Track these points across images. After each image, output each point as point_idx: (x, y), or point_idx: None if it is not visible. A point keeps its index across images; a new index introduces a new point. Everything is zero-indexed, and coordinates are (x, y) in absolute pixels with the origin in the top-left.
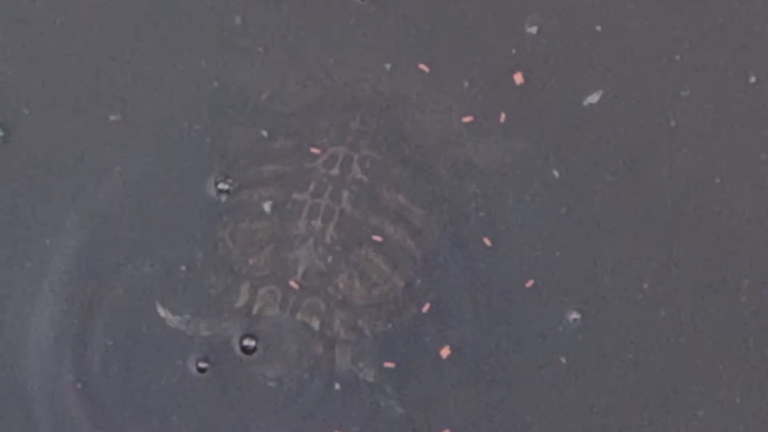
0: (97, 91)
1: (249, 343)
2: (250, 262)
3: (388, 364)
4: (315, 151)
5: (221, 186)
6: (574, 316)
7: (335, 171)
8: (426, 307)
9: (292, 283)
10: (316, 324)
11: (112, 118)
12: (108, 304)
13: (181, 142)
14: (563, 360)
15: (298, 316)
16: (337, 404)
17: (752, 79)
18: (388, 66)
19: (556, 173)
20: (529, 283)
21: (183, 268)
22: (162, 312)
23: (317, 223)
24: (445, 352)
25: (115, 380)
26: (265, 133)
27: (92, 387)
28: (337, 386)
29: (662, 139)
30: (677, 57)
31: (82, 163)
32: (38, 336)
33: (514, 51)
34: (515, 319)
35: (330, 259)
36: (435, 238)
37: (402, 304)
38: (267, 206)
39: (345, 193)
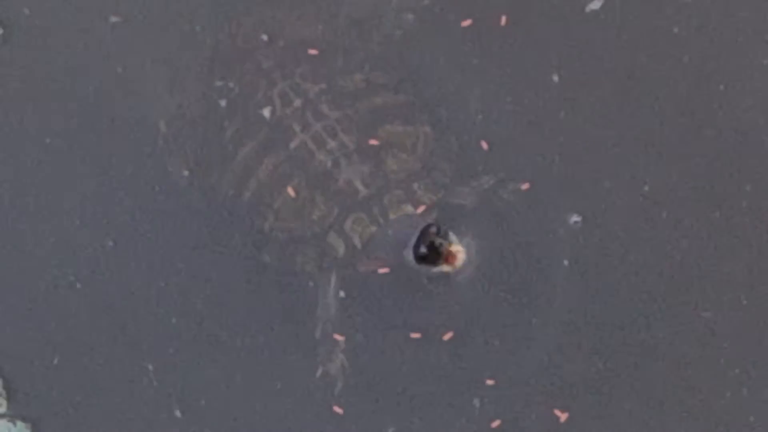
0: None
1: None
2: (315, 217)
3: None
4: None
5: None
6: (575, 218)
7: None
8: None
9: (362, 199)
10: (409, 209)
11: (113, 19)
12: None
13: (182, 43)
14: (566, 262)
15: (391, 216)
16: None
17: None
18: None
19: (555, 77)
20: (525, 186)
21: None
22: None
23: (331, 144)
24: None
25: None
26: (265, 38)
27: None
28: None
29: (665, 45)
30: None
31: (82, 64)
32: None
33: None
34: (514, 221)
35: (367, 157)
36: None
37: (441, 143)
38: (266, 112)
39: (323, 107)
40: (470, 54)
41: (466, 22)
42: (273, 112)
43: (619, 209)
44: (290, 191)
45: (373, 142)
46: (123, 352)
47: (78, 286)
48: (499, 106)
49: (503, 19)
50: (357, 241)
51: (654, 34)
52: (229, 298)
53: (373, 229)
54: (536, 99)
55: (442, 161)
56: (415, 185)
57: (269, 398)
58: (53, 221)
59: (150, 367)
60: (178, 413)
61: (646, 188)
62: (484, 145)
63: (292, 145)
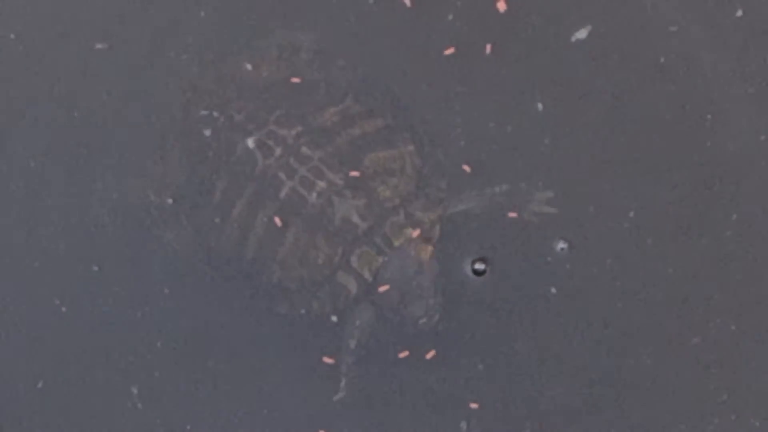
0: (84, 18)
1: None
2: (320, 260)
3: None
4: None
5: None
6: (561, 245)
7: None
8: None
9: (362, 232)
10: (410, 233)
11: (99, 46)
12: None
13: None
14: (553, 290)
15: (395, 243)
16: None
17: (739, 13)
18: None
19: (540, 106)
20: (512, 214)
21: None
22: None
23: (320, 183)
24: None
25: None
26: (249, 67)
27: None
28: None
29: (651, 75)
30: None
31: (67, 90)
32: None
33: None
34: (502, 249)
35: (359, 190)
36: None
37: (428, 159)
38: (250, 141)
39: (303, 149)
40: (453, 82)
41: (449, 50)
42: (256, 164)
43: (606, 236)
44: (277, 221)
45: (360, 173)
46: (107, 376)
47: (63, 309)
48: (483, 132)
49: (488, 48)
50: (367, 275)
51: (640, 63)
52: (214, 322)
53: (381, 259)
54: (521, 127)
55: (434, 177)
56: (412, 207)
57: (255, 423)
58: (38, 245)
59: (134, 390)
60: None
61: (632, 215)
62: (467, 169)
63: (282, 194)
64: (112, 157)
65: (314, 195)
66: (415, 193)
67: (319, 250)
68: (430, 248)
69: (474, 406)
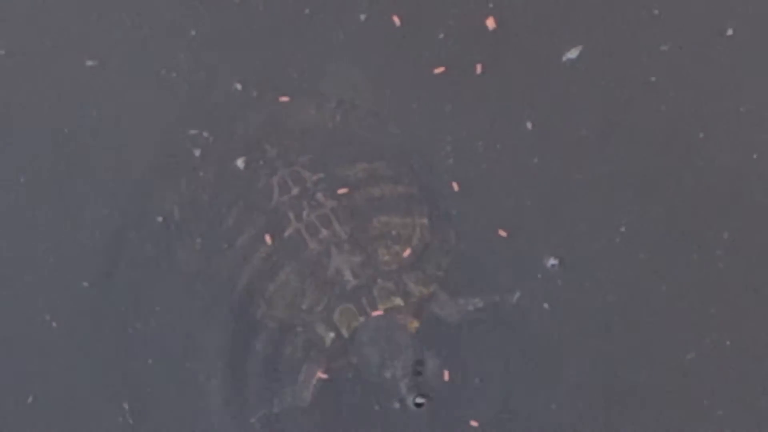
0: (74, 35)
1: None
2: (304, 306)
3: None
4: None
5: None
6: (552, 262)
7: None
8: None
9: (351, 289)
10: (399, 302)
11: (89, 63)
12: None
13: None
14: (546, 306)
15: (380, 307)
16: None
17: (729, 32)
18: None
19: (529, 125)
20: (503, 233)
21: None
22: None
23: (324, 233)
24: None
25: None
26: (239, 86)
27: None
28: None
29: (642, 94)
30: (656, 11)
31: (57, 106)
32: None
33: (491, 5)
34: (492, 268)
35: (359, 247)
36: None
37: (437, 235)
38: (240, 161)
39: (319, 195)
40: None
41: (439, 69)
42: (271, 199)
43: (596, 252)
44: (267, 239)
45: (367, 232)
46: (99, 391)
47: (53, 325)
48: (472, 151)
49: (478, 68)
50: (345, 332)
51: (631, 82)
52: (205, 339)
53: (361, 320)
54: (510, 145)
55: (438, 254)
56: (407, 277)
57: None
58: (29, 260)
59: (126, 406)
60: None
61: (623, 230)
62: (456, 187)
63: (287, 233)
64: (104, 171)
65: (315, 242)
66: (414, 265)
67: (306, 296)
68: (416, 323)
69: (474, 424)
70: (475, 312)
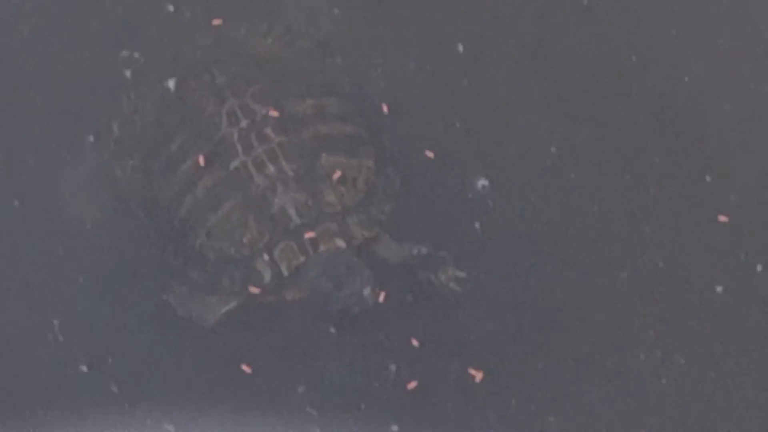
0: None
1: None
2: (245, 240)
3: None
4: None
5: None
6: (483, 182)
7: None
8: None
9: (294, 227)
10: (341, 243)
11: None
12: None
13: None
14: (477, 226)
15: (321, 248)
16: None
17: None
18: None
19: (460, 47)
20: (430, 154)
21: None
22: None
23: (270, 169)
24: None
25: None
26: (171, 8)
27: None
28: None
29: (574, 17)
30: None
31: None
32: None
33: None
34: (422, 189)
35: (305, 186)
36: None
37: (384, 178)
38: (171, 83)
39: (268, 130)
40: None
41: None
42: (219, 129)
43: (527, 172)
44: (212, 169)
45: (314, 171)
46: (29, 309)
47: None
48: (402, 73)
49: None
50: (284, 269)
51: (564, 5)
52: (138, 262)
53: (302, 258)
54: (441, 67)
55: (382, 198)
56: (350, 220)
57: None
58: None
59: (56, 323)
60: None
61: (553, 150)
62: (385, 109)
63: (232, 165)
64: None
65: (261, 177)
66: (358, 208)
67: (247, 230)
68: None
69: (415, 343)
70: (418, 256)
